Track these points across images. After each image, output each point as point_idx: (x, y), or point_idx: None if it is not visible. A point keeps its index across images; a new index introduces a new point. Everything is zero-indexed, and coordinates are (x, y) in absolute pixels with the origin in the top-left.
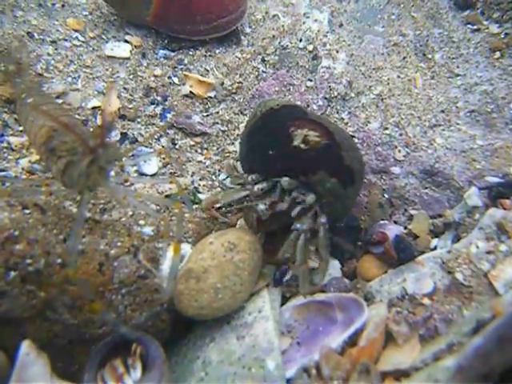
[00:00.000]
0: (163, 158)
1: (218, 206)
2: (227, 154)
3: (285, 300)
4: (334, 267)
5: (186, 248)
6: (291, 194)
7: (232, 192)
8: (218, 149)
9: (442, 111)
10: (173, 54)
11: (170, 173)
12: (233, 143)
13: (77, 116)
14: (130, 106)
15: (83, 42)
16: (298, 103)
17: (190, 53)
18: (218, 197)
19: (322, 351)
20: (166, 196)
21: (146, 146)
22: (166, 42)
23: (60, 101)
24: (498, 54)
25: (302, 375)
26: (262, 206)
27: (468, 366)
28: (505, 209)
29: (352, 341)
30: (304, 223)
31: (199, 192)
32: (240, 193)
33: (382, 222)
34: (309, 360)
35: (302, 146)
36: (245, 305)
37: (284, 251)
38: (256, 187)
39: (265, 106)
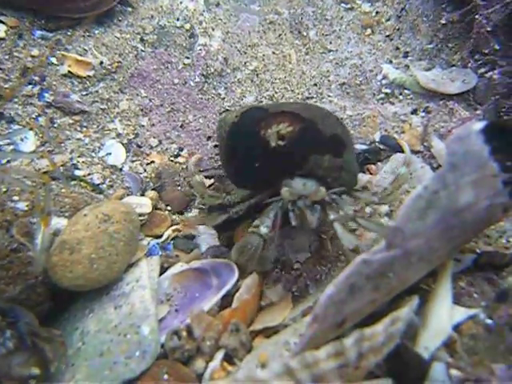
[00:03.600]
0: (41, 137)
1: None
2: (107, 132)
3: (164, 270)
4: (211, 236)
5: (62, 222)
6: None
7: (216, 216)
8: (97, 126)
9: (315, 84)
10: (50, 34)
11: (48, 151)
12: (112, 121)
13: None
14: (6, 86)
15: None
16: (176, 80)
17: (68, 33)
18: (204, 221)
19: (193, 313)
20: (44, 173)
21: (24, 126)
22: (43, 22)
23: None
24: (369, 30)
25: (172, 337)
26: (264, 230)
27: (322, 314)
28: (371, 174)
29: (225, 303)
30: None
31: (78, 168)
32: (222, 217)
33: None
34: (180, 323)
35: (280, 142)
36: (123, 276)
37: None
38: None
39: (226, 124)
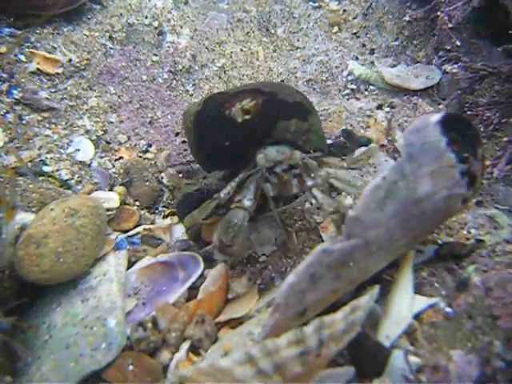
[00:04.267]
0: (9, 133)
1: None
2: (76, 128)
3: (131, 264)
4: (179, 231)
5: (29, 217)
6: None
7: (205, 206)
8: (66, 123)
9: (282, 81)
10: (19, 32)
11: (16, 147)
12: (81, 118)
13: None
14: None
15: None
16: (145, 77)
17: (37, 31)
18: (195, 218)
19: (158, 305)
20: (12, 168)
21: None
22: (11, 19)
23: None
24: (336, 28)
25: (137, 329)
26: (247, 203)
27: (284, 303)
28: None
29: (192, 295)
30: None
31: (46, 164)
32: (212, 203)
33: None
34: (145, 315)
35: (247, 116)
36: (91, 270)
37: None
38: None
39: (190, 115)
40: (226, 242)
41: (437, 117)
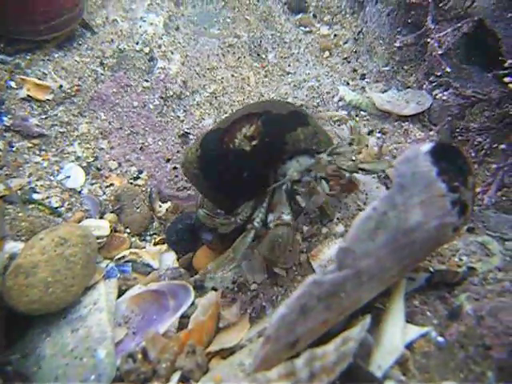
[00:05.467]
0: None
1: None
2: (66, 155)
3: (122, 293)
4: (170, 259)
5: (18, 246)
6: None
7: (243, 241)
8: (56, 150)
9: None
10: (9, 58)
11: (6, 175)
12: (72, 144)
13: None
14: None
15: None
16: (136, 103)
17: (28, 57)
18: (232, 258)
19: (148, 336)
20: (1, 197)
21: None
22: (1, 45)
23: None
24: (327, 53)
25: (127, 360)
26: (287, 217)
27: (275, 335)
28: None
29: (182, 325)
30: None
31: (36, 192)
32: (249, 235)
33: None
34: (135, 346)
35: (254, 142)
36: (81, 299)
37: None
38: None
39: (191, 163)
40: (273, 259)
41: (427, 147)
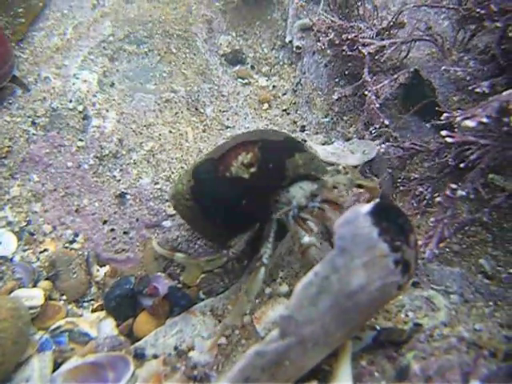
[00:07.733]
0: None
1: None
2: None
3: (57, 366)
4: (109, 326)
5: None
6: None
7: (252, 285)
8: None
9: None
10: None
11: None
12: (2, 209)
13: None
14: None
15: None
16: (70, 164)
17: None
18: (248, 301)
19: None
20: None
21: None
22: None
23: None
24: (266, 105)
25: None
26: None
27: None
28: None
29: None
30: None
31: None
32: (260, 272)
33: (156, 274)
34: None
35: (252, 169)
36: (12, 376)
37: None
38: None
39: (184, 196)
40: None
41: (367, 208)
